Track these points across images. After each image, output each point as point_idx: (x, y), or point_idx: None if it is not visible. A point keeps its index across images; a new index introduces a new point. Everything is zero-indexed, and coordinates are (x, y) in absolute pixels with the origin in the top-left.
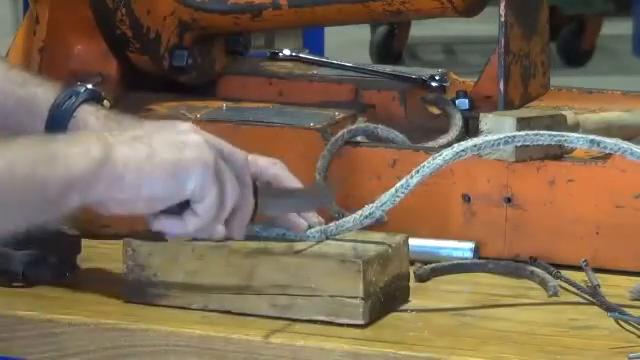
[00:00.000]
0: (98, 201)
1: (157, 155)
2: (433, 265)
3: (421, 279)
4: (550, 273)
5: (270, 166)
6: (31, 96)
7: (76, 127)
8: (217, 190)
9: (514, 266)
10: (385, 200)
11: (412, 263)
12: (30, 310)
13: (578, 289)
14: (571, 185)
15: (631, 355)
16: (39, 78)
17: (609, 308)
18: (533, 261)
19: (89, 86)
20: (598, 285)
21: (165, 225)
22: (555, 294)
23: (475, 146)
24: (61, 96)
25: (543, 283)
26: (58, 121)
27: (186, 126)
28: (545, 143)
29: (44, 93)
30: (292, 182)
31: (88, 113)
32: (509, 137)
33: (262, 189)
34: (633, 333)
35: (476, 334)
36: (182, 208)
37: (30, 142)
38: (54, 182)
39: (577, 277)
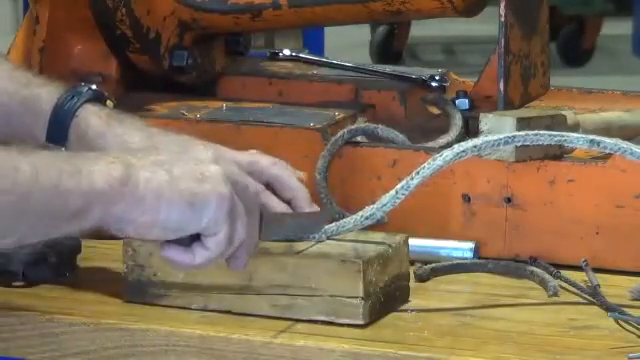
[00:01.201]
0: (117, 220)
1: (177, 183)
2: (433, 265)
3: (421, 279)
4: (550, 273)
5: (271, 166)
6: (35, 96)
7: (78, 127)
8: (229, 226)
9: (514, 266)
10: (386, 201)
11: (412, 263)
12: (30, 310)
13: (578, 289)
14: (571, 185)
15: (631, 355)
16: (43, 78)
17: (609, 308)
18: (533, 261)
19: (92, 86)
20: (598, 285)
21: (174, 254)
22: (555, 294)
23: (475, 147)
24: (64, 96)
25: (543, 283)
26: (60, 121)
27: (205, 155)
28: (545, 143)
29: (47, 93)
30: (293, 182)
31: (90, 113)
32: (509, 137)
33: (265, 215)
34: (633, 333)
35: (476, 334)
36: (192, 239)
37: (55, 154)
38: (77, 194)
39: (577, 277)
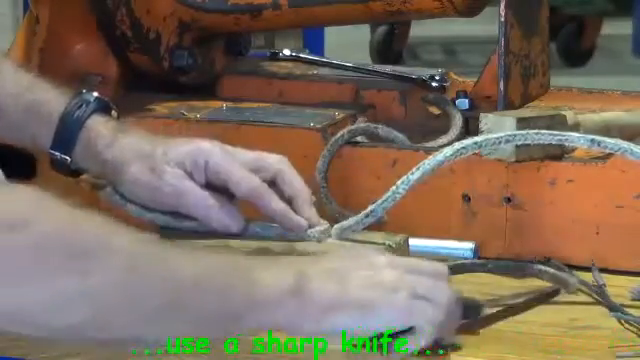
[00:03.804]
0: (274, 324)
1: (348, 294)
2: None
3: None
4: (562, 272)
5: (277, 162)
6: (40, 102)
7: (87, 137)
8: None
9: (514, 266)
10: (386, 197)
11: None
12: None
13: (579, 289)
14: (571, 185)
15: (619, 354)
16: (46, 82)
17: (612, 308)
18: (547, 260)
19: (95, 94)
20: (604, 285)
21: None
22: (572, 292)
23: (476, 143)
24: (71, 104)
25: (557, 280)
26: (68, 130)
27: (382, 260)
28: (546, 142)
29: (55, 100)
30: (297, 182)
31: (98, 123)
32: (510, 135)
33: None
34: (634, 333)
35: (476, 334)
36: None
37: (226, 257)
38: (244, 302)
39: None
